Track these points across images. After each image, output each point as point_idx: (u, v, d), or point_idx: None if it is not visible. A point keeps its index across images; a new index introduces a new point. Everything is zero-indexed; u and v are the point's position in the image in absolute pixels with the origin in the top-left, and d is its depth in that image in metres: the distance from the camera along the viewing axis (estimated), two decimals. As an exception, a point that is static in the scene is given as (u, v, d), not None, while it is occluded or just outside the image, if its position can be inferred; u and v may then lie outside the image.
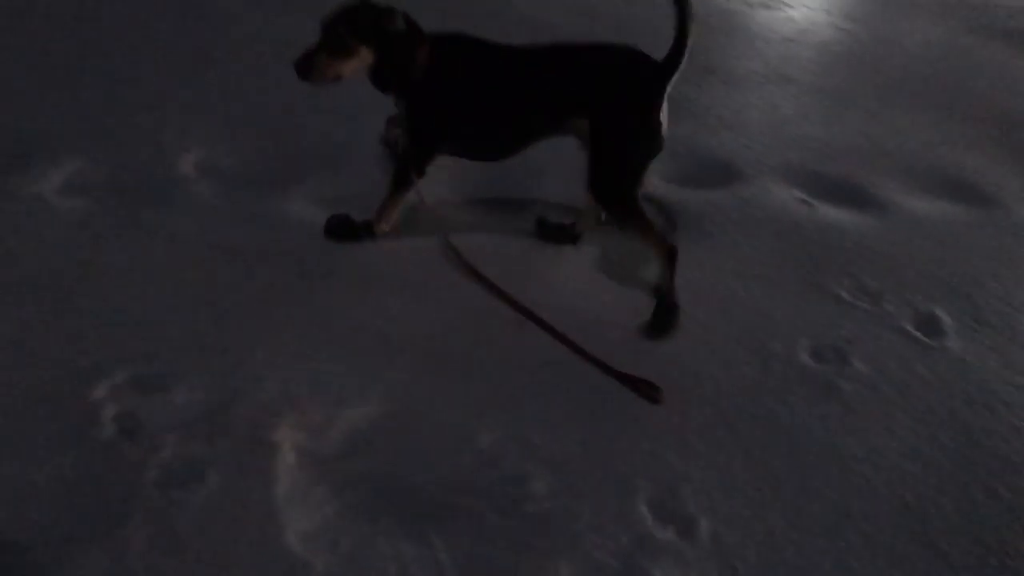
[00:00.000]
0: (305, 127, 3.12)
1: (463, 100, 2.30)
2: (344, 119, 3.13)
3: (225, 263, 2.39)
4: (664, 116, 2.24)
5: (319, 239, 2.52)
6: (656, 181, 3.08)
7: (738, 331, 2.35)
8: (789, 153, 3.37)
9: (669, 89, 2.22)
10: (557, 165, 2.84)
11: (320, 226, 2.55)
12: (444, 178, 2.73)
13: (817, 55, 4.56)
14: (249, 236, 2.51)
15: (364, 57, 2.18)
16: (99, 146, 2.88)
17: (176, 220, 2.55)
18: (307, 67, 2.14)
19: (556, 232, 2.62)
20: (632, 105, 2.22)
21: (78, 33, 3.77)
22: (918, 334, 2.43)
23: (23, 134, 2.90)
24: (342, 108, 3.14)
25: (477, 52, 2.30)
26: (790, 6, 5.40)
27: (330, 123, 3.13)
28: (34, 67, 3.41)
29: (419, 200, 2.53)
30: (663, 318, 2.28)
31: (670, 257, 2.29)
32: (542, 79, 2.28)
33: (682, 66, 2.17)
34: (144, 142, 2.94)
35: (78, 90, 3.26)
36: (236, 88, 3.40)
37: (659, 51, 2.24)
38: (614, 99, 2.22)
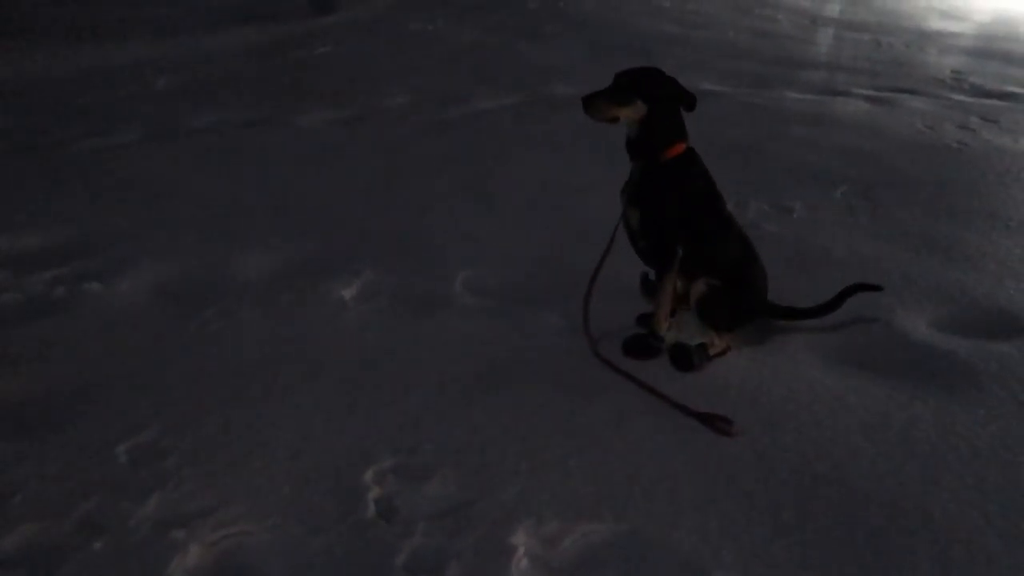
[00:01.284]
0: (562, 258, 3.37)
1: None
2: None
3: (487, 370, 2.61)
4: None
5: (578, 355, 2.67)
6: (923, 327, 2.88)
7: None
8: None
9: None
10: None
11: (573, 346, 2.71)
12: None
13: None
14: (511, 348, 2.73)
15: (638, 109, 2.49)
16: (391, 262, 3.35)
17: (448, 327, 2.85)
18: (590, 103, 2.51)
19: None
20: None
21: (392, 161, 4.47)
22: None
23: (332, 248, 3.46)
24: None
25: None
26: (1094, 148, 4.87)
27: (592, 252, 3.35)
28: (351, 190, 4.09)
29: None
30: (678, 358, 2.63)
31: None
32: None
33: None
34: (429, 261, 3.36)
35: (383, 211, 3.83)
36: (511, 220, 3.78)
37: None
38: None
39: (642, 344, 2.71)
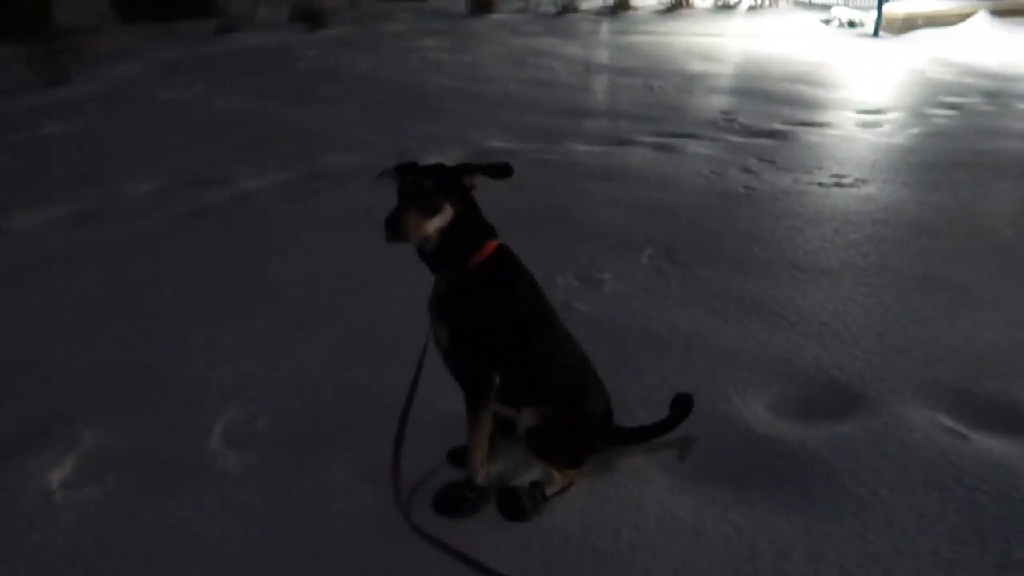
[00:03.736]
0: (353, 376, 2.77)
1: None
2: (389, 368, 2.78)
3: (260, 558, 1.93)
4: None
5: (384, 528, 2.06)
6: (761, 412, 2.59)
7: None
8: (918, 365, 2.85)
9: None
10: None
11: (376, 514, 2.10)
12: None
13: (912, 236, 4.13)
14: (290, 540, 2.06)
15: (445, 215, 1.96)
16: (125, 416, 2.56)
17: (200, 516, 2.13)
18: (397, 226, 1.90)
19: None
20: None
21: (134, 271, 3.62)
22: None
23: (39, 409, 2.60)
24: (384, 356, 2.80)
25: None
26: (865, 182, 5.08)
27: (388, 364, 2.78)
28: (74, 317, 3.21)
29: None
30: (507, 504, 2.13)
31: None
32: None
33: None
34: (179, 407, 2.61)
35: (118, 343, 3.01)
36: (287, 332, 3.11)
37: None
38: None
39: (456, 497, 2.16)
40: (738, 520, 2.12)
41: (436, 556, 1.97)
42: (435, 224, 1.95)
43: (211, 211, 4.52)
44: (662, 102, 7.80)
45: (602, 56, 10.75)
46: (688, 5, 17.54)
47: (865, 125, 6.80)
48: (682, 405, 2.40)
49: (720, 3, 17.98)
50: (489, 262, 2.05)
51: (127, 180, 5.02)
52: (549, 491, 2.18)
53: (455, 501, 2.15)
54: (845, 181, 5.11)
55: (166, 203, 4.67)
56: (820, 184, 5.03)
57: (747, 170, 5.39)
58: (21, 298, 3.43)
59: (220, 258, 3.85)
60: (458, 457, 2.29)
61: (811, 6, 17.27)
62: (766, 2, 17.58)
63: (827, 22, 14.77)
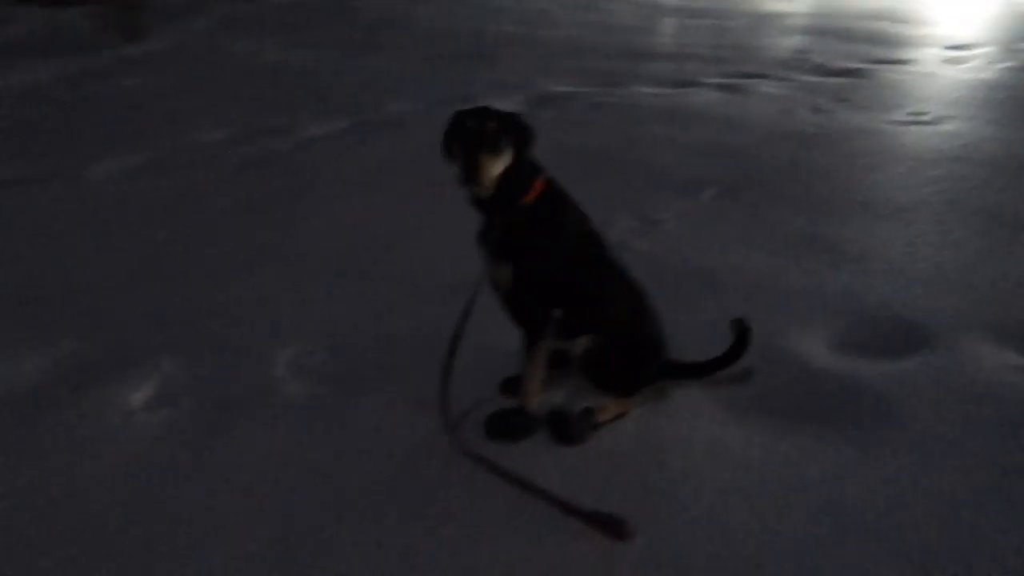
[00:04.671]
0: (401, 319, 2.83)
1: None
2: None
3: (318, 491, 2.02)
4: None
5: (435, 451, 2.13)
6: (821, 348, 2.54)
7: (919, 554, 1.71)
8: (990, 303, 2.74)
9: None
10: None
11: (427, 438, 2.17)
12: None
13: (992, 174, 3.91)
14: (349, 458, 2.15)
15: (507, 156, 2.00)
16: (194, 351, 2.69)
17: (266, 436, 2.24)
18: (474, 170, 1.94)
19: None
20: None
21: (193, 218, 3.76)
22: None
23: (115, 341, 2.75)
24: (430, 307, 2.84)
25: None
26: (945, 119, 4.82)
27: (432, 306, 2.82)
28: (139, 263, 3.37)
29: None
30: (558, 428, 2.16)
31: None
32: None
33: None
34: (243, 344, 2.72)
35: (182, 286, 3.15)
36: (338, 278, 3.19)
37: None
38: None
39: (507, 423, 2.21)
40: (790, 451, 2.09)
41: (487, 479, 2.02)
42: (498, 166, 1.98)
43: (270, 159, 4.63)
44: (732, 43, 7.55)
45: (671, -2, 10.42)
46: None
47: (950, 61, 6.44)
48: (739, 337, 2.36)
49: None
50: (540, 198, 2.07)
51: (195, 130, 5.17)
52: (601, 418, 2.20)
53: (507, 426, 2.20)
54: (924, 119, 4.87)
55: (228, 151, 4.79)
56: (897, 122, 4.81)
57: (818, 110, 5.18)
58: (96, 244, 3.60)
59: (276, 206, 3.94)
60: (510, 386, 2.33)
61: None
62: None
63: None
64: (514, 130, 2.02)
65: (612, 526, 1.84)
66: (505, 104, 4.83)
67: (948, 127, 4.67)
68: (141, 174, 4.46)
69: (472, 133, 1.98)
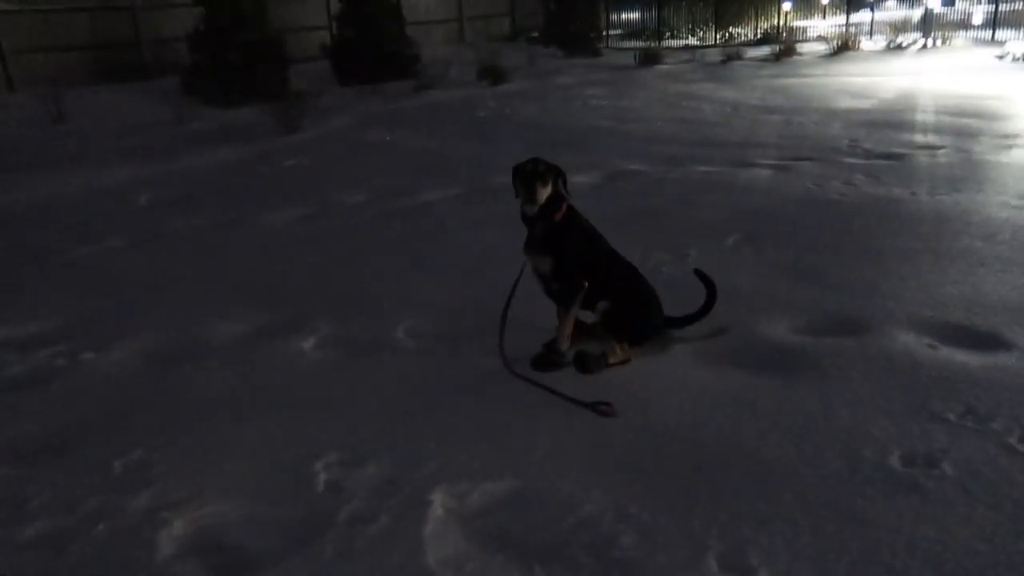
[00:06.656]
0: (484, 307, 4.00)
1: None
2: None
3: (421, 383, 3.18)
4: None
5: (493, 373, 3.25)
6: (781, 330, 3.50)
7: (832, 440, 2.64)
8: (926, 309, 3.63)
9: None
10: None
11: (490, 367, 3.30)
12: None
13: (961, 229, 4.76)
14: (440, 373, 3.31)
15: (550, 188, 3.21)
16: (344, 319, 3.95)
17: (389, 363, 3.44)
18: (533, 193, 3.18)
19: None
20: None
21: (346, 245, 5.14)
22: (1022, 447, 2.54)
23: (293, 313, 4.06)
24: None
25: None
26: (958, 191, 5.66)
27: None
28: (308, 269, 4.73)
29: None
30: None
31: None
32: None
33: None
34: (376, 317, 3.97)
35: (337, 283, 4.47)
36: (446, 282, 4.43)
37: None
38: None
39: (547, 359, 3.31)
40: (735, 382, 3.07)
41: (531, 391, 3.11)
42: (546, 193, 3.20)
43: (402, 212, 6.02)
44: (795, 134, 8.55)
45: (752, 97, 11.56)
46: (855, 47, 17.70)
47: (995, 148, 7.18)
48: (706, 282, 3.51)
49: (892, 44, 17.98)
50: (565, 215, 3.28)
51: (343, 192, 6.69)
52: (611, 360, 3.26)
53: (546, 361, 3.30)
54: (939, 192, 5.71)
55: (368, 208, 6.24)
56: (912, 194, 5.69)
57: (849, 183, 6.12)
58: (279, 259, 5.02)
59: (406, 240, 5.28)
60: (549, 345, 3.44)
61: (989, 43, 16.90)
62: (938, 42, 17.39)
63: (1000, 57, 14.55)
64: (555, 171, 3.24)
65: (606, 408, 2.88)
66: (584, 178, 6.08)
67: (957, 198, 5.51)
68: (301, 222, 5.94)
69: (529, 172, 3.20)
